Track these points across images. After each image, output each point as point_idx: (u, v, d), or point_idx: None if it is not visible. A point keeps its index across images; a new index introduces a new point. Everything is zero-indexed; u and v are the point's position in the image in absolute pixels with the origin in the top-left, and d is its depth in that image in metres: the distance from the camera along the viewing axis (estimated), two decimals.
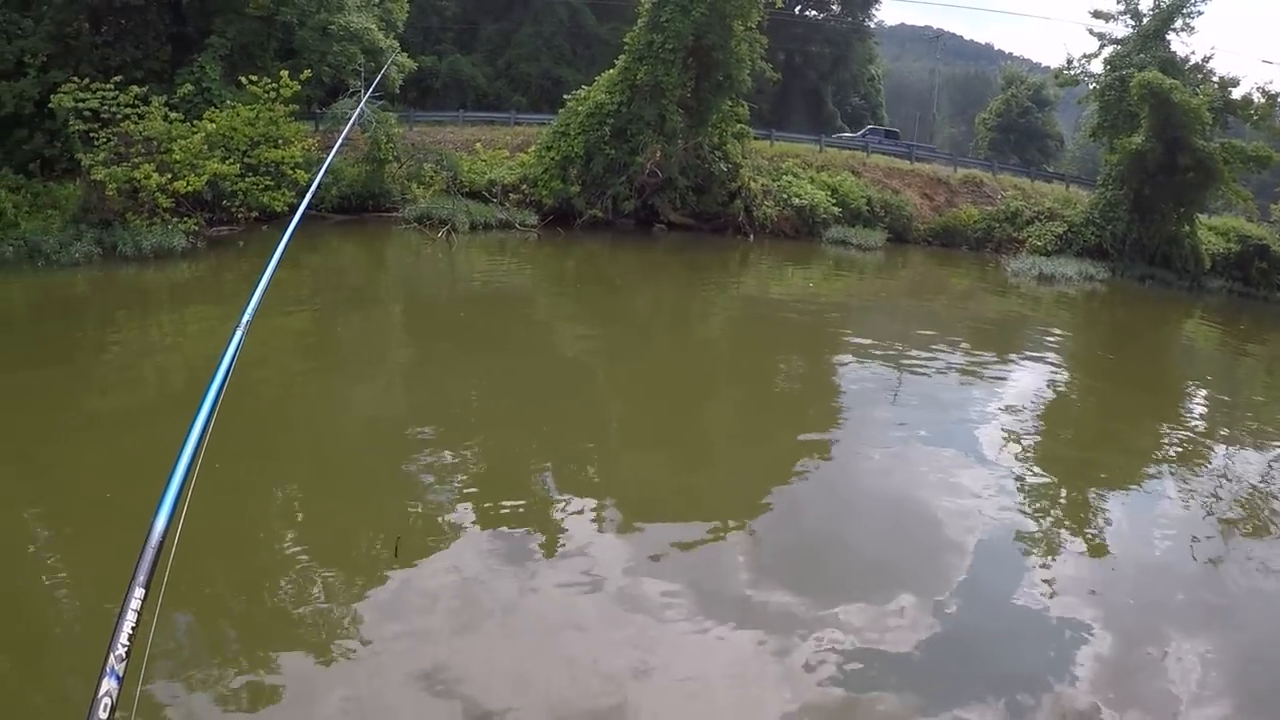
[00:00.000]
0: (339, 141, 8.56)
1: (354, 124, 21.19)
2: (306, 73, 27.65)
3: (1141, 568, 9.11)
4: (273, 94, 26.68)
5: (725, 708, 6.22)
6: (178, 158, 23.52)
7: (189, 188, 23.30)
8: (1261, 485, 12.31)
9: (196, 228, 23.51)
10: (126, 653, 2.00)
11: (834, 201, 37.53)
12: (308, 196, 5.52)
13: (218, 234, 24.79)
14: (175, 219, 23.04)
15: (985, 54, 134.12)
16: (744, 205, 35.09)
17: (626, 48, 33.53)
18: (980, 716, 6.24)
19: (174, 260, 21.99)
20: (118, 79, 24.05)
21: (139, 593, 2.10)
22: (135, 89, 23.72)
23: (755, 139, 38.88)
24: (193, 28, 30.44)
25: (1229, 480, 12.38)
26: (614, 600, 7.42)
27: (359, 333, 17.87)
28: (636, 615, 7.22)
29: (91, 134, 23.03)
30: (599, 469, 10.85)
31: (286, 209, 25.91)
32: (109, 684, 1.94)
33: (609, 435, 12.30)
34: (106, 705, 1.91)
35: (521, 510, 9.13)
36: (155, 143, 23.62)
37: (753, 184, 35.75)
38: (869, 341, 19.93)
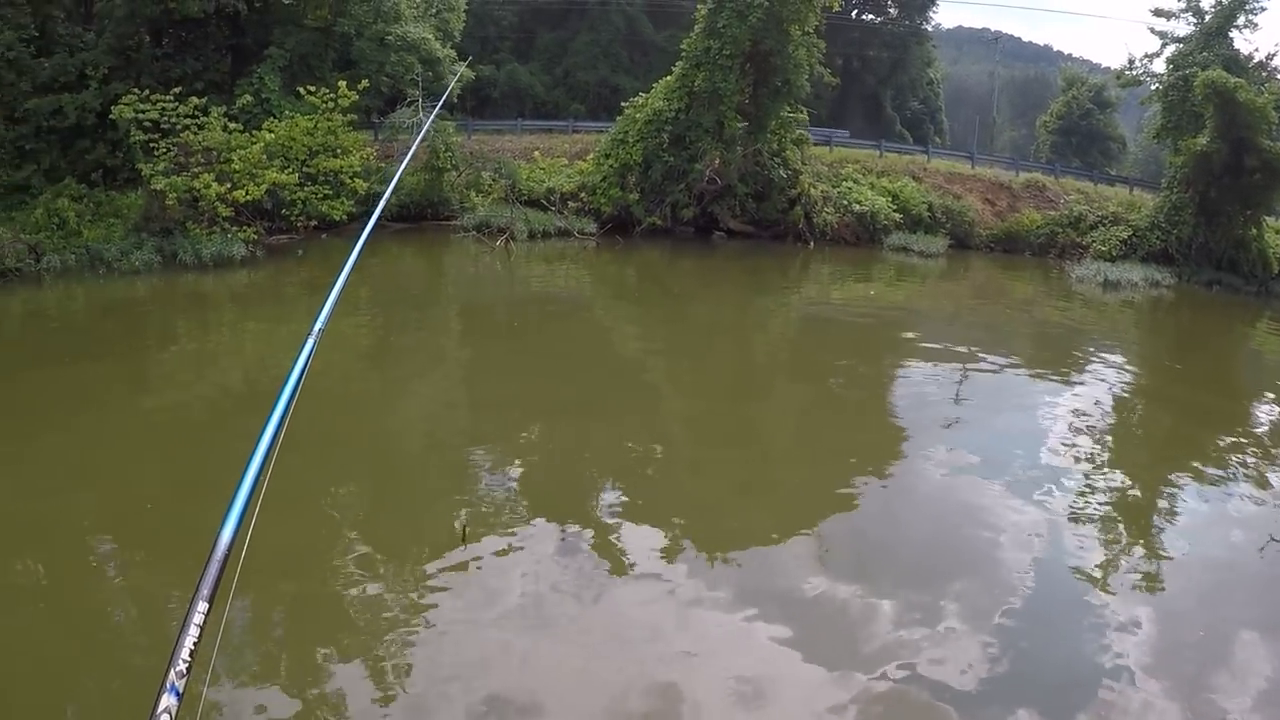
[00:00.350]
0: (409, 153, 8.50)
1: (421, 137, 21.18)
2: (364, 82, 27.64)
3: (1208, 582, 8.88)
4: (330, 104, 26.72)
5: (782, 713, 6.21)
6: (237, 167, 23.62)
7: (248, 197, 23.38)
8: None
9: (256, 236, 23.64)
10: (188, 668, 1.94)
11: (895, 208, 36.84)
12: (379, 207, 5.42)
13: (277, 242, 24.88)
14: (234, 228, 23.14)
15: (1044, 55, 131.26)
16: (804, 212, 34.52)
17: (684, 54, 33.25)
18: None
19: (233, 268, 22.14)
20: (177, 90, 24.25)
21: (202, 606, 2.04)
22: (195, 100, 23.94)
23: (814, 145, 38.33)
24: (251, 39, 30.58)
25: None
26: (671, 603, 7.51)
27: (418, 339, 17.89)
28: (694, 618, 7.31)
29: (151, 144, 23.19)
30: (658, 473, 10.86)
31: (345, 218, 25.91)
32: (168, 700, 1.88)
33: (668, 441, 12.27)
34: None
35: (582, 514, 9.20)
36: (215, 153, 23.73)
37: (813, 190, 35.20)
38: (930, 348, 19.63)
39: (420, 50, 30.97)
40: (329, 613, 7.31)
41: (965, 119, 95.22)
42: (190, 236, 22.35)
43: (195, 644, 1.97)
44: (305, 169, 25.74)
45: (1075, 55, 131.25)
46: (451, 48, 34.08)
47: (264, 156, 24.42)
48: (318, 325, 3.28)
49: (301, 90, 27.08)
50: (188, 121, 23.57)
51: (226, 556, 2.17)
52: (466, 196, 30.81)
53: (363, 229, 4.47)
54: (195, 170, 22.86)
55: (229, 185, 23.14)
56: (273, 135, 25.27)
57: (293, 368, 2.88)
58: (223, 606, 2.17)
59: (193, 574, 2.09)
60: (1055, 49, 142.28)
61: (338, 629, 7.03)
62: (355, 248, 4.06)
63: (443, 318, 20.15)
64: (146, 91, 24.00)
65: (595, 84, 52.19)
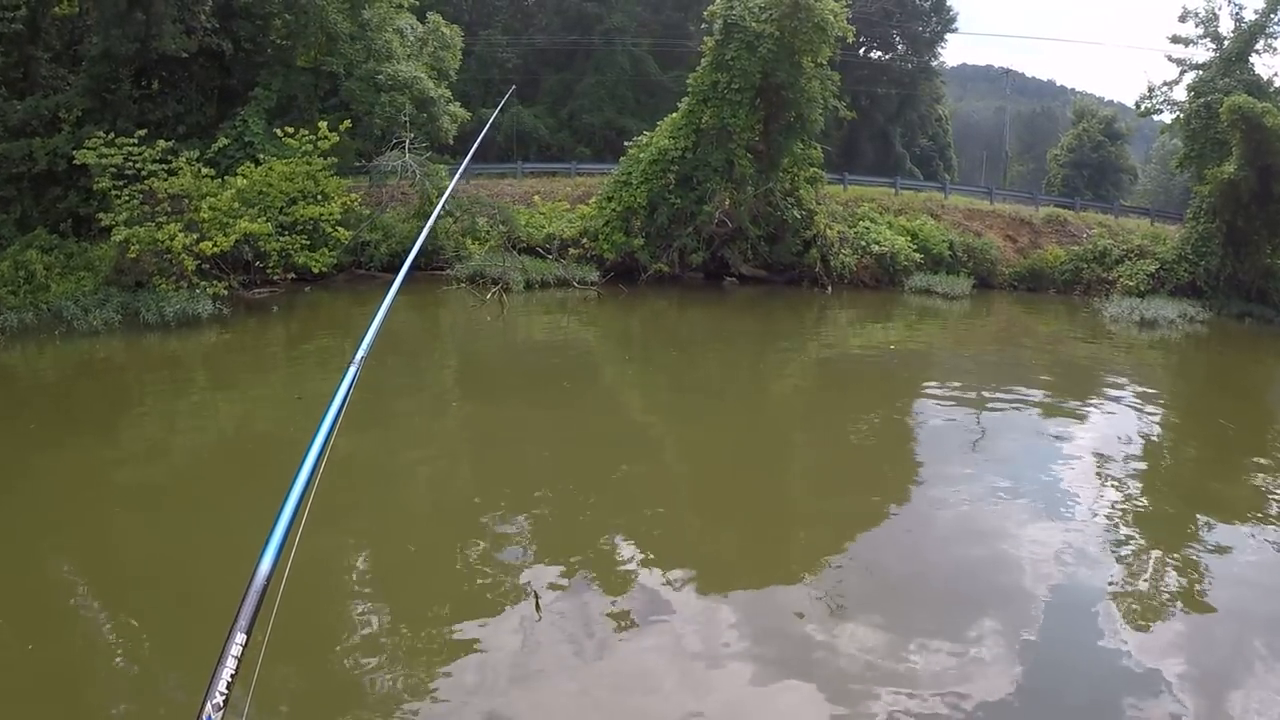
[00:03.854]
0: (444, 195, 7.16)
1: (398, 174, 19.61)
2: (346, 123, 26.00)
3: (1235, 611, 8.81)
4: (310, 146, 24.96)
5: None
6: (205, 216, 21.77)
7: (215, 249, 21.49)
8: None
9: (226, 291, 21.66)
10: (225, 700, 1.95)
11: (914, 247, 35.21)
12: (412, 252, 4.93)
13: (256, 297, 23.03)
14: (205, 282, 21.18)
15: (1048, 90, 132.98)
16: (820, 254, 32.64)
17: (690, 89, 31.61)
18: None
19: (198, 328, 20.13)
20: (142, 133, 22.45)
21: (240, 638, 2.04)
22: (162, 143, 22.12)
23: (827, 183, 36.61)
24: (238, 80, 29.36)
25: None
26: (686, 656, 7.40)
27: (413, 401, 16.06)
28: (711, 671, 7.19)
29: (114, 191, 21.44)
30: (669, 529, 10.65)
31: (327, 270, 24.07)
32: None
33: (679, 498, 11.97)
34: None
35: (591, 570, 9.05)
36: (187, 200, 21.93)
37: (829, 231, 33.36)
38: (954, 398, 18.54)
39: (412, 89, 29.35)
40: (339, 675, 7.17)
41: (972, 155, 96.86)
42: (157, 292, 20.48)
43: (233, 676, 1.97)
44: (283, 216, 23.92)
45: (1079, 89, 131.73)
46: (446, 87, 32.52)
47: (237, 204, 22.59)
48: (359, 354, 3.25)
49: (279, 132, 25.34)
50: (155, 166, 21.79)
51: (265, 587, 2.17)
52: (462, 244, 28.87)
53: (402, 272, 4.30)
54: (161, 220, 21.02)
55: (197, 236, 21.29)
56: (246, 181, 23.44)
57: (334, 396, 2.87)
58: (261, 638, 2.13)
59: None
60: (1059, 84, 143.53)
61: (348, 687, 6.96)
62: (391, 289, 3.97)
63: (437, 378, 18.30)
64: (112, 135, 22.24)
65: (601, 126, 51.31)
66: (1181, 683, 7.27)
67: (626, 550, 9.66)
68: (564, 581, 8.70)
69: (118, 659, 7.35)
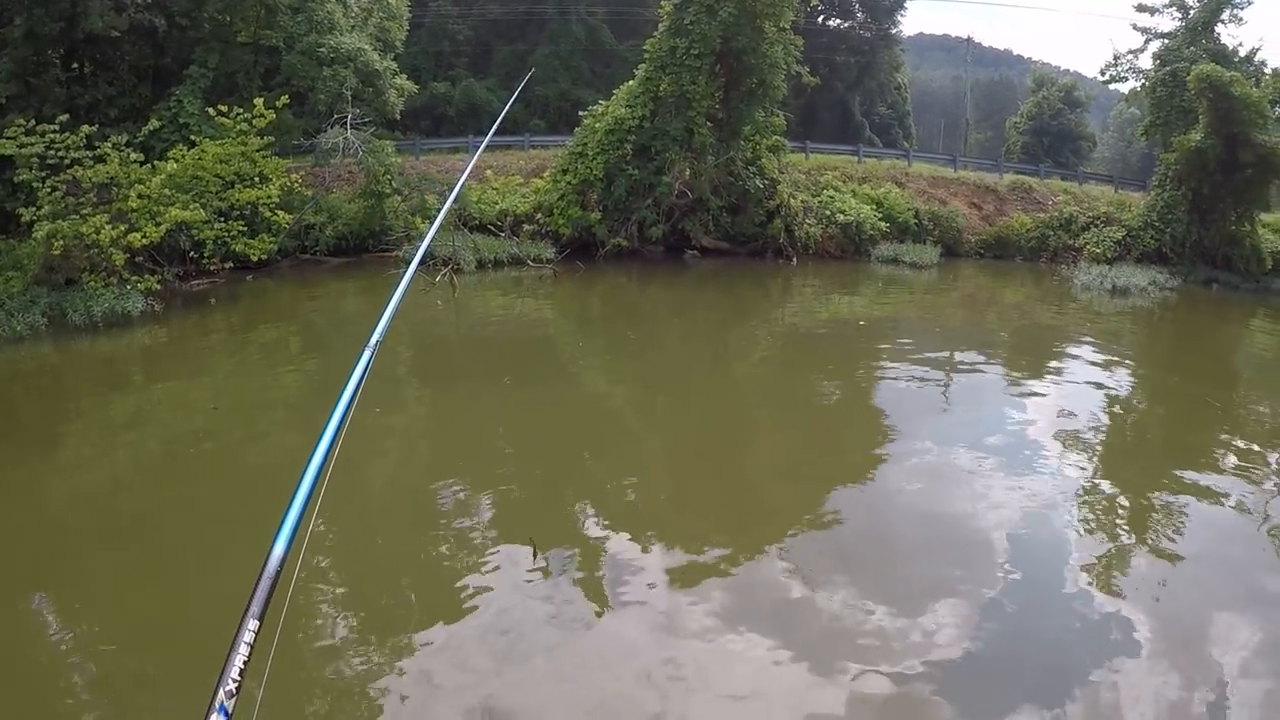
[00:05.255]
0: (460, 183, 6.73)
1: (340, 152, 18.42)
2: (283, 98, 24.65)
3: (1200, 574, 8.89)
4: (246, 125, 23.62)
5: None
6: (134, 205, 20.33)
7: (146, 240, 20.04)
8: None
9: (160, 285, 20.20)
10: (237, 687, 1.92)
11: (880, 216, 34.57)
12: (430, 233, 5.09)
13: (193, 289, 21.72)
14: (135, 277, 19.73)
15: (1004, 59, 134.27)
16: (784, 225, 31.78)
17: (647, 56, 30.52)
18: None
19: (129, 328, 18.58)
20: (64, 118, 20.84)
21: (253, 624, 2.02)
22: (86, 128, 20.63)
23: (790, 152, 35.70)
24: (173, 59, 27.90)
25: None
26: (658, 623, 7.44)
27: (365, 389, 14.76)
28: (682, 637, 7.23)
29: (37, 183, 19.96)
30: (637, 502, 10.54)
31: (268, 257, 22.82)
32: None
33: (646, 472, 11.73)
34: None
35: (562, 545, 8.92)
36: (115, 189, 20.57)
37: (793, 201, 32.47)
38: (922, 365, 18.28)
39: (356, 62, 28.06)
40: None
41: (929, 123, 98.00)
42: (86, 290, 19.06)
43: (245, 663, 1.95)
44: (219, 202, 22.52)
45: (1036, 59, 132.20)
46: (393, 59, 31.24)
47: (167, 191, 21.12)
48: (375, 337, 3.26)
49: (211, 111, 23.98)
50: (79, 154, 20.27)
51: (279, 573, 2.15)
52: (412, 224, 27.52)
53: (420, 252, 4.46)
54: (86, 211, 19.61)
55: (126, 227, 19.84)
56: (177, 165, 21.97)
57: (348, 380, 2.89)
58: (274, 625, 2.12)
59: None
60: (1015, 53, 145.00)
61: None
62: (407, 270, 3.92)
63: (389, 365, 17.16)
64: (35, 123, 20.68)
65: (556, 98, 49.91)
66: (1150, 638, 7.39)
67: (595, 525, 9.59)
68: (534, 559, 8.52)
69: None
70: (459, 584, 8.07)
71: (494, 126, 8.15)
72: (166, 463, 11.53)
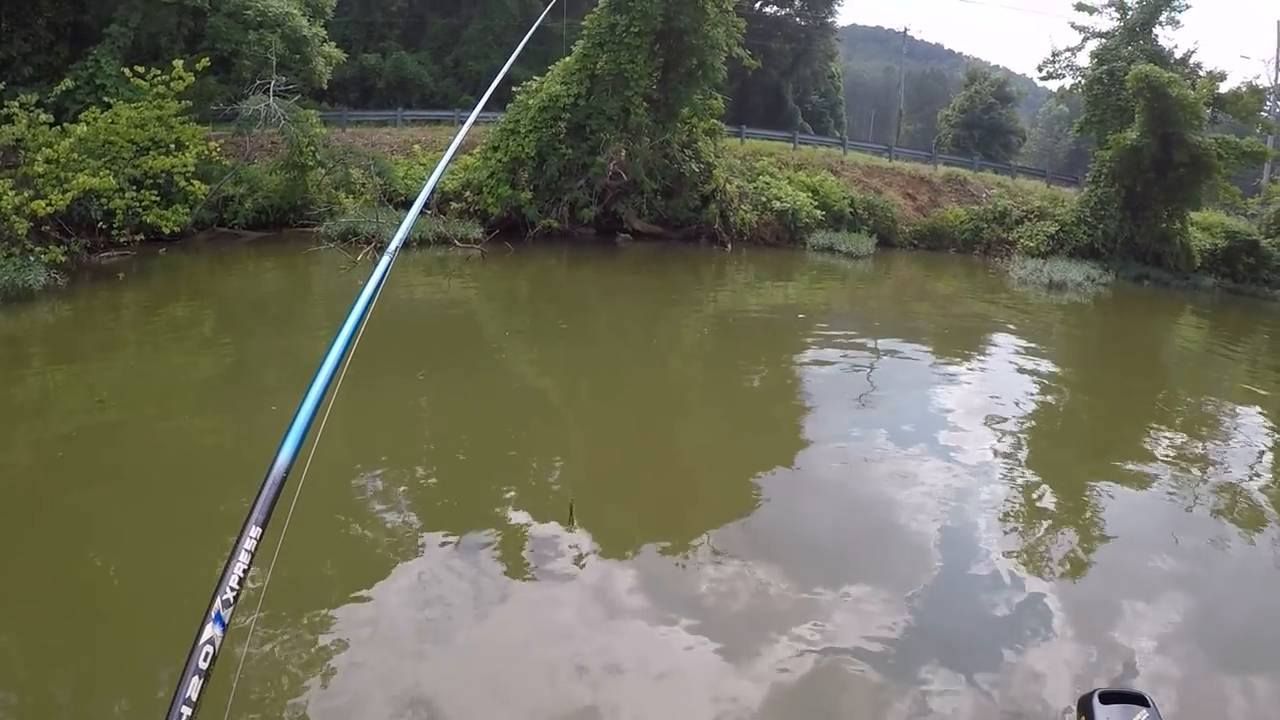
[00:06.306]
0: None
1: (261, 120, 17.50)
2: (204, 60, 23.55)
3: (1116, 553, 9.13)
4: (161, 88, 22.44)
5: (701, 704, 6.18)
6: (40, 170, 19.12)
7: (51, 208, 18.75)
8: (1244, 480, 11.97)
9: (65, 258, 18.72)
10: (235, 597, 1.87)
11: (816, 204, 34.32)
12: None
13: (103, 262, 20.46)
14: (39, 248, 18.30)
15: (935, 53, 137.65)
16: (719, 210, 31.37)
17: (585, 32, 29.83)
18: (952, 696, 6.30)
19: (30, 303, 17.07)
20: None
21: (255, 531, 1.97)
22: None
23: (725, 136, 35.30)
24: (92, 16, 26.74)
25: (1207, 473, 12.12)
26: (584, 608, 7.37)
27: (282, 374, 14.17)
28: (608, 621, 7.21)
29: None
30: (562, 488, 10.13)
31: (182, 229, 21.72)
32: (213, 630, 1.79)
33: (571, 458, 11.44)
34: (208, 654, 1.76)
35: (484, 531, 8.65)
36: (22, 152, 19.39)
37: (728, 186, 32.07)
38: (853, 354, 18.07)
39: (284, 27, 26.99)
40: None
41: (860, 113, 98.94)
42: None
43: (245, 571, 1.89)
44: (132, 169, 21.27)
45: (967, 54, 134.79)
46: (322, 24, 30.16)
47: (76, 155, 19.89)
48: (393, 245, 3.29)
49: (127, 72, 22.76)
50: None
51: (284, 479, 2.13)
52: (335, 198, 26.45)
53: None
54: None
55: (30, 193, 18.61)
56: (88, 128, 20.71)
57: (364, 286, 2.92)
58: (278, 534, 2.13)
59: None
60: (946, 47, 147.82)
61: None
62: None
63: (310, 347, 16.23)
64: None
65: (488, 74, 48.36)
66: (1067, 619, 7.52)
67: (519, 510, 9.31)
68: (456, 541, 8.34)
69: None
70: (379, 569, 7.76)
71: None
72: (71, 448, 10.53)
